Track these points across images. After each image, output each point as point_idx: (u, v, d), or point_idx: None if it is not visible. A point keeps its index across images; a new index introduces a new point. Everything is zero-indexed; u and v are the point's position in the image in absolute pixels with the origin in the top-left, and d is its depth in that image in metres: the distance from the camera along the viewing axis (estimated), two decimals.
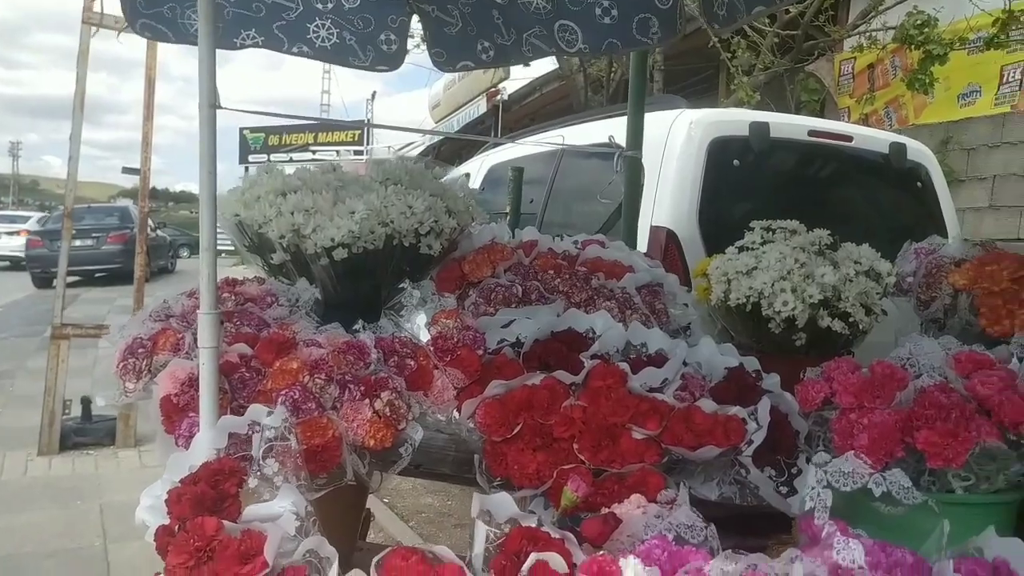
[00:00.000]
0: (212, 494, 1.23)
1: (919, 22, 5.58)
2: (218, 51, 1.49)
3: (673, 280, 2.12)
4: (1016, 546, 1.25)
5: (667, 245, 3.39)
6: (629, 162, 2.84)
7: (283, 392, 1.46)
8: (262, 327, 1.69)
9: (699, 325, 2.18)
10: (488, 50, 2.63)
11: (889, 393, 1.58)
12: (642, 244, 3.45)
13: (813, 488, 1.23)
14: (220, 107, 1.35)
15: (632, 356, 1.74)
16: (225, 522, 1.17)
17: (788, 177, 3.86)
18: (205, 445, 1.36)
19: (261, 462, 1.30)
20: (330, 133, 26.35)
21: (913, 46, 5.66)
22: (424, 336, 1.78)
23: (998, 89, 6.20)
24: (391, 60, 2.46)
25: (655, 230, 3.45)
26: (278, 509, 1.22)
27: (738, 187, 3.60)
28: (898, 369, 1.64)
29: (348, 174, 2.06)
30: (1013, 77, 6.10)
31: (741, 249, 2.15)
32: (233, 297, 1.79)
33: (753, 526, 1.62)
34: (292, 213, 1.88)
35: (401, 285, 1.83)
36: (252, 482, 1.29)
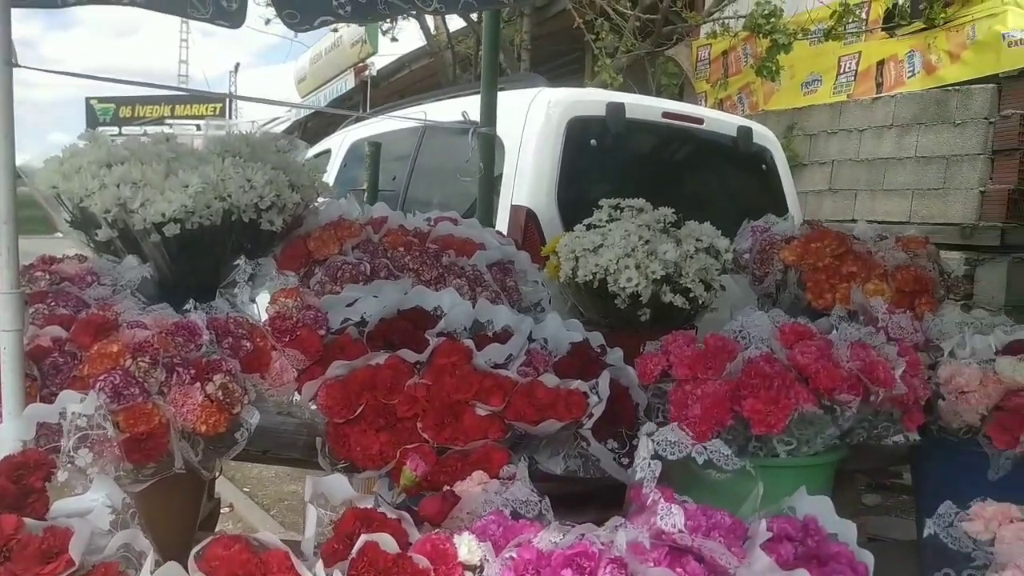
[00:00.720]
0: (13, 489, 1.13)
1: (766, 12, 5.86)
2: (57, 12, 1.36)
3: (524, 258, 2.14)
4: (824, 504, 1.34)
5: (526, 224, 3.41)
6: (483, 139, 2.83)
7: (101, 377, 1.36)
8: (80, 308, 1.57)
9: (550, 302, 2.21)
10: (344, 5, 2.53)
11: (720, 364, 1.65)
12: (502, 223, 3.47)
13: (643, 458, 1.27)
14: (17, 65, 1.23)
15: (479, 333, 1.74)
16: (27, 519, 1.08)
17: (644, 157, 3.97)
18: (8, 437, 1.25)
19: (72, 453, 1.21)
20: (189, 106, 24.96)
21: (761, 35, 5.95)
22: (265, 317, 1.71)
23: (836, 78, 6.64)
24: (232, 17, 2.32)
25: (515, 209, 3.47)
26: (89, 503, 1.14)
27: (596, 167, 3.67)
28: (729, 341, 1.72)
29: (183, 145, 1.95)
30: (849, 67, 6.54)
31: (589, 227, 2.19)
32: (48, 276, 1.65)
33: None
34: (118, 186, 1.75)
35: (236, 262, 1.75)
36: (62, 475, 1.20)
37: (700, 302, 2.11)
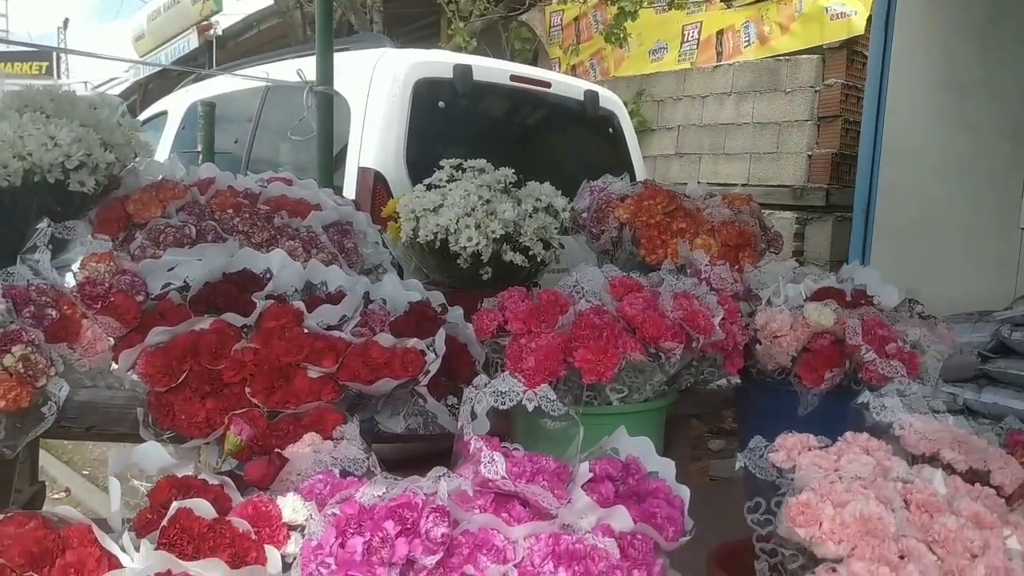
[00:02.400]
0: None
1: None
2: None
3: (363, 219, 2.10)
4: (644, 444, 1.41)
5: (375, 187, 3.36)
6: (320, 98, 2.74)
7: None
8: None
9: (393, 264, 2.19)
10: None
11: (552, 318, 1.70)
12: (350, 186, 3.40)
13: (468, 409, 1.29)
14: None
15: (312, 296, 1.70)
16: None
17: (492, 120, 3.99)
18: None
19: None
20: (11, 64, 22.71)
21: (609, 1, 6.09)
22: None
23: (680, 46, 6.91)
24: None
25: (362, 171, 3.41)
26: None
27: (444, 129, 3.66)
28: (561, 296, 1.77)
29: None
30: (692, 36, 6.82)
31: (429, 187, 2.18)
32: None
33: None
34: None
35: (39, 225, 1.62)
36: None
37: (540, 260, 2.15)
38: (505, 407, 1.37)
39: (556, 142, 4.22)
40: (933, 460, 1.47)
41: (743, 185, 6.17)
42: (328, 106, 2.75)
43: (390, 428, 1.67)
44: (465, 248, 2.05)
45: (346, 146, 3.48)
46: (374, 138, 3.45)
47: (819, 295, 2.01)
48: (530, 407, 1.38)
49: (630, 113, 6.92)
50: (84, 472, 4.68)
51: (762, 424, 1.93)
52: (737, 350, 1.86)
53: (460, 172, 2.30)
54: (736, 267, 2.18)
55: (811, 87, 5.85)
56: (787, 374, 1.93)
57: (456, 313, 1.84)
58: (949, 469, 1.44)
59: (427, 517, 1.04)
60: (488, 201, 2.14)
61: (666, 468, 1.38)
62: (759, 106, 6.14)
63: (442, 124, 3.64)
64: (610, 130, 4.41)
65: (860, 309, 1.91)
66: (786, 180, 5.98)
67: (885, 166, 4.49)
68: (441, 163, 2.29)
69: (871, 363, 1.78)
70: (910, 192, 4.35)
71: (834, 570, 1.19)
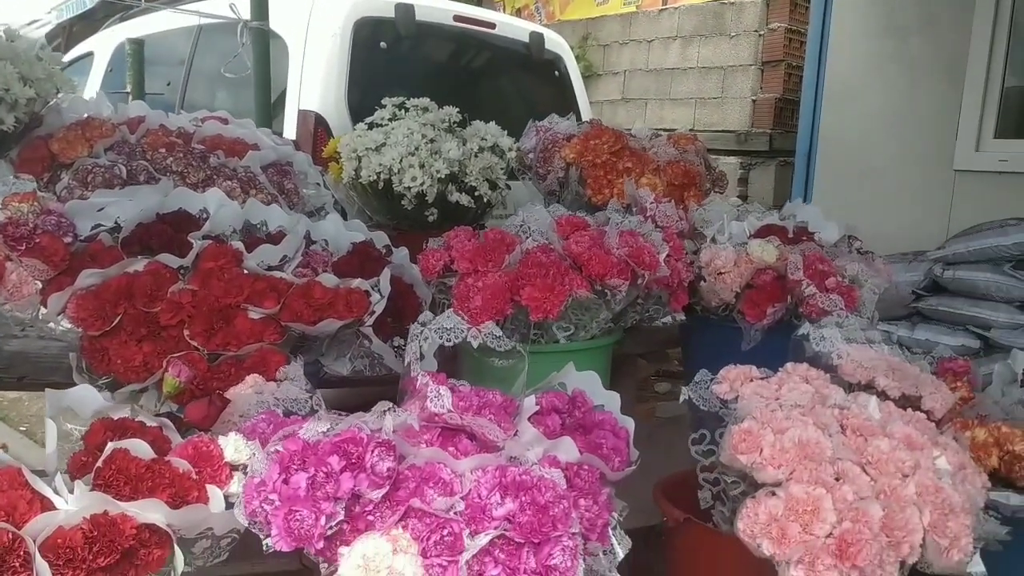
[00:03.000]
0: None
1: None
2: None
3: (303, 159, 2.04)
4: (591, 378, 1.42)
5: (316, 130, 3.27)
6: (255, 35, 2.63)
7: None
8: None
9: (336, 205, 2.14)
10: None
11: (499, 257, 1.68)
12: (290, 130, 3.30)
13: (415, 346, 1.27)
14: None
15: (252, 236, 1.65)
16: None
17: (435, 62, 3.90)
18: None
19: None
20: None
21: None
22: None
23: None
24: None
25: (303, 114, 3.31)
26: None
27: (387, 70, 3.57)
28: (508, 235, 1.75)
29: None
30: None
31: (371, 126, 2.13)
32: None
33: None
34: None
35: None
36: None
37: (487, 201, 2.13)
38: (451, 343, 1.36)
39: (501, 85, 4.16)
40: (868, 388, 1.52)
41: (688, 131, 6.19)
42: (264, 43, 2.64)
43: (336, 370, 1.65)
44: (409, 188, 2.01)
45: (285, 89, 3.38)
46: (314, 80, 3.34)
47: (762, 232, 2.03)
48: (475, 343, 1.37)
49: (576, 58, 6.85)
50: (21, 428, 4.54)
51: (707, 360, 1.96)
52: (682, 287, 1.88)
53: (403, 111, 2.24)
54: (681, 206, 2.20)
55: (755, 31, 5.85)
56: (731, 310, 1.96)
57: (401, 254, 1.81)
58: (884, 396, 1.49)
59: (372, 452, 1.03)
60: (432, 140, 2.09)
61: (612, 401, 1.40)
62: (704, 51, 6.14)
63: (384, 66, 3.54)
64: (556, 73, 4.36)
65: (801, 245, 1.94)
66: (731, 125, 6.01)
67: (826, 110, 4.54)
68: (383, 100, 2.23)
69: (812, 297, 1.82)
70: (851, 136, 4.41)
71: (774, 493, 1.23)
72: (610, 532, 1.21)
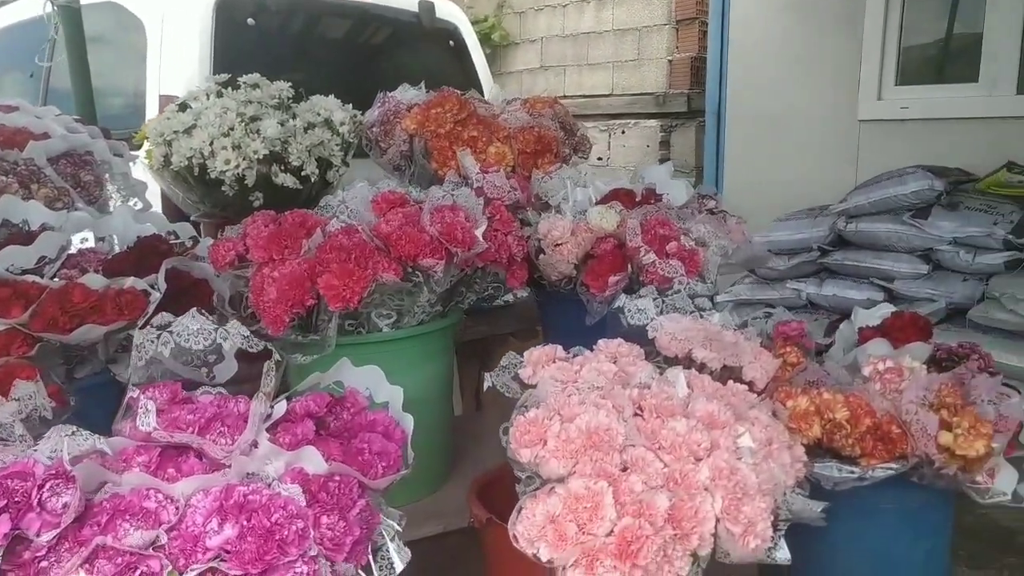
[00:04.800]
0: None
1: None
2: None
3: (103, 147, 1.86)
4: (373, 373, 1.29)
5: None
6: (65, 14, 2.43)
7: None
8: None
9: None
10: None
11: (297, 243, 1.54)
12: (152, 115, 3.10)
13: (143, 353, 1.13)
14: None
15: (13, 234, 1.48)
16: None
17: (313, 38, 3.71)
18: None
19: None
20: None
21: None
22: None
23: None
24: None
25: (164, 100, 3.10)
26: None
27: (258, 49, 3.37)
28: (310, 217, 1.60)
29: None
30: None
31: (183, 106, 1.95)
32: None
33: None
34: None
35: None
36: None
37: (325, 180, 1.97)
38: (201, 348, 1.21)
39: (391, 59, 3.97)
40: (690, 361, 1.41)
41: (608, 95, 6.06)
42: (75, 23, 2.42)
43: (125, 378, 1.50)
44: (224, 172, 1.85)
45: (143, 71, 3.17)
46: (175, 63, 3.14)
47: (608, 198, 1.91)
48: (226, 345, 1.23)
49: (491, 27, 6.68)
50: None
51: (564, 336, 1.83)
52: (516, 261, 1.75)
53: (232, 89, 2.07)
54: (542, 173, 2.07)
55: None
56: (575, 283, 1.84)
57: (205, 244, 1.66)
58: (703, 368, 1.38)
59: (45, 486, 0.89)
60: (254, 119, 1.93)
61: (395, 397, 1.27)
62: (618, 12, 5.98)
63: (253, 44, 3.34)
64: (450, 43, 4.18)
65: (644, 208, 1.82)
66: (649, 87, 5.88)
67: (733, 66, 4.44)
68: (206, 78, 2.06)
69: (651, 265, 1.70)
70: (758, 91, 4.32)
71: (554, 490, 1.11)
72: (370, 549, 1.08)
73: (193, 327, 1.20)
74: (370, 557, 1.08)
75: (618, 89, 6.07)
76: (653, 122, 5.84)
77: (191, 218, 2.08)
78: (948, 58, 3.94)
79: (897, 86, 3.88)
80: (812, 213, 3.68)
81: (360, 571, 1.06)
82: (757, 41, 4.30)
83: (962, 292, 3.09)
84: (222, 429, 1.05)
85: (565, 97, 6.38)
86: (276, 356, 1.15)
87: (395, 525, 1.14)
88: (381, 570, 1.10)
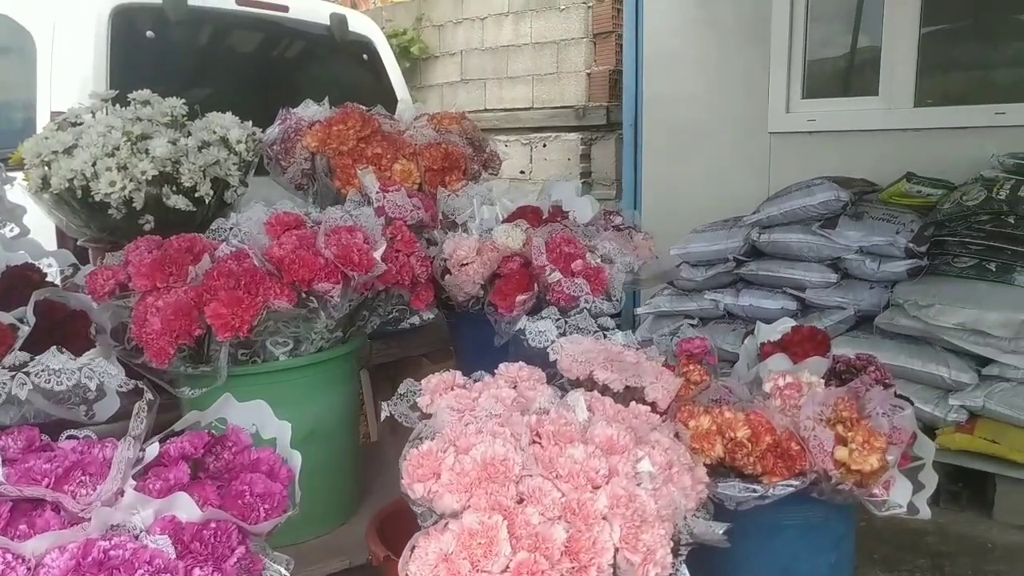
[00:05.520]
0: None
1: None
2: None
3: None
4: (259, 409, 1.22)
5: None
6: None
7: None
8: None
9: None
10: None
11: (183, 269, 1.46)
12: None
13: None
14: None
15: None
16: None
17: (218, 52, 3.58)
18: None
19: None
20: None
21: None
22: None
23: None
24: None
25: (56, 117, 2.94)
26: None
27: (158, 63, 3.23)
28: (199, 241, 1.53)
29: None
30: None
31: (62, 125, 1.84)
32: None
33: None
34: None
35: None
36: None
37: (208, 203, 1.89)
38: (64, 389, 1.13)
39: (301, 75, 3.87)
40: (592, 383, 1.38)
41: (527, 109, 6.07)
42: None
43: None
44: (110, 195, 1.75)
45: (34, 88, 3.01)
46: (67, 79, 2.98)
47: (515, 216, 1.88)
48: (92, 384, 1.14)
49: (410, 40, 6.62)
50: None
51: (475, 358, 1.80)
52: (420, 283, 1.70)
53: (122, 106, 1.97)
54: (448, 191, 2.03)
55: (584, 4, 5.76)
56: (482, 303, 1.80)
57: (83, 273, 1.56)
58: (606, 390, 1.36)
59: None
60: (142, 137, 1.83)
61: (283, 433, 1.20)
62: (537, 25, 6.00)
63: (154, 58, 3.20)
64: (364, 57, 4.10)
65: (549, 227, 1.79)
66: (568, 100, 5.91)
67: (648, 80, 4.49)
68: (90, 95, 1.95)
69: (556, 284, 1.68)
70: (673, 103, 4.38)
71: (447, 526, 1.06)
72: None
73: (54, 366, 1.11)
74: None
75: (538, 102, 6.09)
76: (574, 135, 5.87)
77: (78, 243, 1.97)
78: (852, 72, 4.07)
79: (804, 99, 3.98)
80: (727, 224, 3.73)
81: None
82: (670, 54, 4.36)
83: (869, 300, 3.17)
84: (83, 478, 0.98)
85: (486, 111, 6.37)
86: (148, 395, 1.07)
87: (282, 570, 1.07)
88: None
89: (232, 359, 1.51)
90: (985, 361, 2.78)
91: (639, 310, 3.79)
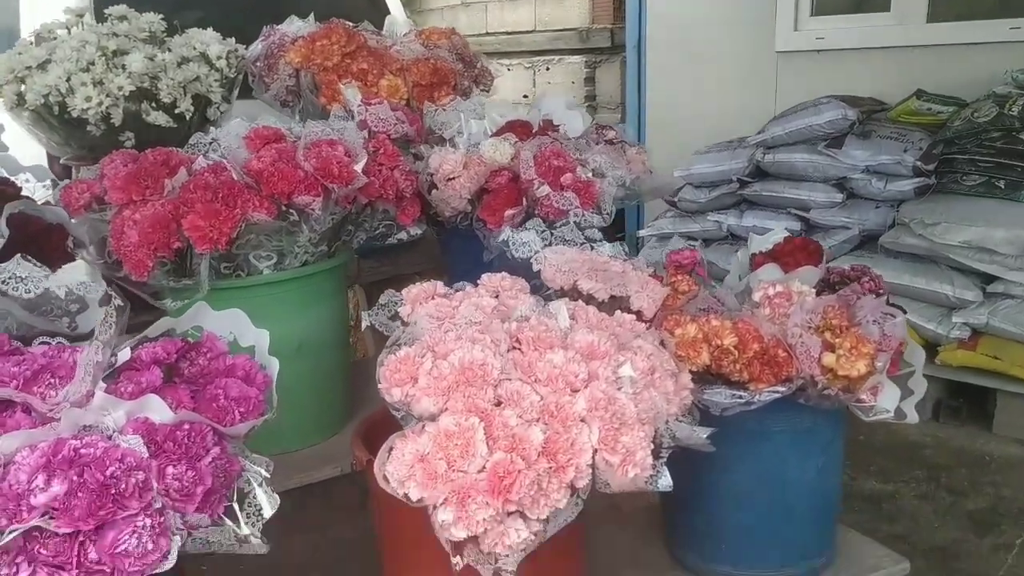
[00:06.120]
0: None
1: None
2: None
3: None
4: (236, 317, 1.21)
5: None
6: None
7: None
8: None
9: None
10: None
11: (159, 182, 1.43)
12: None
13: None
14: None
15: None
16: None
17: None
18: None
19: None
20: None
21: None
22: None
23: None
24: None
25: None
26: None
27: None
28: (174, 154, 1.50)
29: None
30: None
31: (38, 40, 1.80)
32: None
33: None
34: None
35: None
36: None
37: (190, 119, 1.84)
38: (31, 295, 1.11)
39: None
40: (576, 293, 1.36)
41: (530, 32, 5.91)
42: None
43: None
44: (86, 111, 1.71)
45: (19, 17, 2.94)
46: (49, 5, 2.90)
47: (503, 130, 1.83)
48: (61, 293, 1.13)
49: None
50: None
51: (465, 275, 1.78)
52: (406, 197, 1.67)
53: (99, 22, 1.91)
54: (437, 107, 1.97)
55: None
56: (471, 219, 1.77)
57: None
58: (591, 300, 1.33)
59: None
60: (118, 52, 1.78)
61: (261, 340, 1.19)
62: None
63: None
64: None
65: (538, 140, 1.75)
66: (572, 23, 5.74)
67: None
68: (64, 9, 1.89)
69: (545, 197, 1.64)
70: (678, 23, 4.25)
71: (424, 428, 1.06)
72: (235, 496, 1.02)
73: (20, 274, 1.09)
74: (235, 505, 1.02)
75: (541, 25, 5.92)
76: (577, 58, 5.72)
77: (61, 161, 1.94)
78: None
79: (813, 16, 3.85)
80: (731, 145, 3.66)
81: (224, 518, 1.00)
82: None
83: (874, 219, 3.12)
84: (52, 381, 0.97)
85: (488, 34, 6.21)
86: (117, 301, 1.06)
87: (262, 472, 1.08)
88: (249, 517, 1.05)
89: (215, 273, 1.50)
90: (990, 279, 2.74)
91: (642, 232, 3.75)
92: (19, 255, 1.11)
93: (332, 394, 1.71)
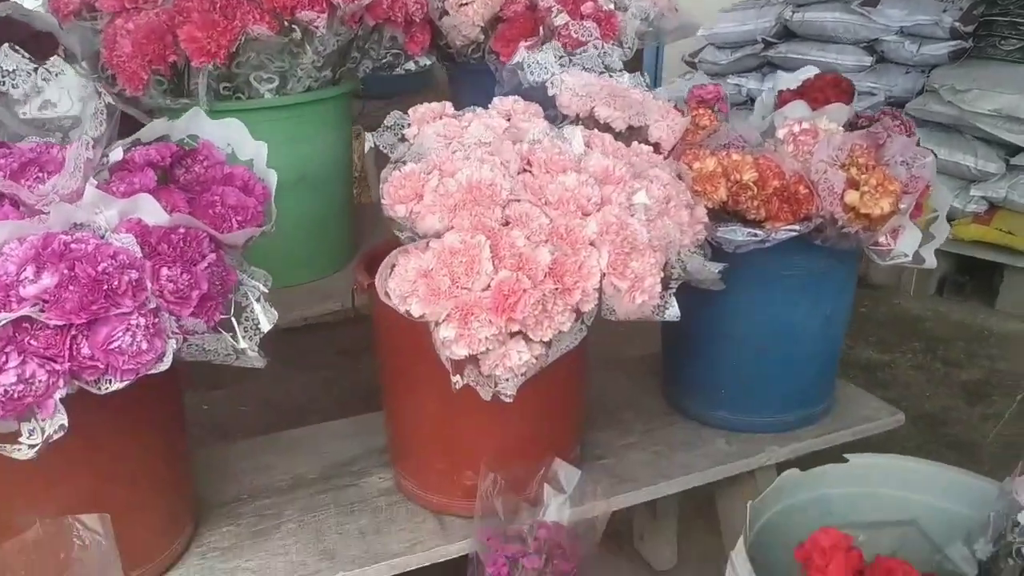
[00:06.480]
0: None
1: None
2: None
3: None
4: (234, 127, 1.15)
5: None
6: None
7: None
8: None
9: None
10: None
11: None
12: None
13: None
14: None
15: None
16: None
17: None
18: None
19: None
20: None
21: None
22: None
23: None
24: None
25: None
26: None
27: None
28: None
29: None
30: None
31: None
32: None
33: None
34: None
35: None
36: None
37: None
38: (19, 91, 1.05)
39: None
40: (593, 121, 1.29)
41: None
42: None
43: None
44: None
45: None
46: None
47: None
48: (48, 88, 1.07)
49: None
50: None
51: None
52: (415, 23, 1.57)
53: None
54: None
55: None
56: (483, 51, 1.68)
57: None
58: (609, 129, 1.27)
59: None
60: None
61: (260, 153, 1.14)
62: None
63: None
64: None
65: None
66: None
67: None
68: None
69: (563, 27, 1.55)
70: None
71: (428, 244, 1.02)
72: (232, 310, 1.00)
73: (7, 67, 1.03)
74: (233, 319, 1.00)
75: None
76: None
77: None
78: None
79: None
80: (758, 3, 3.47)
81: (220, 330, 0.99)
82: None
83: (903, 85, 3.00)
84: (40, 175, 0.93)
85: None
86: (107, 99, 1.00)
87: (260, 286, 1.05)
88: (247, 331, 1.03)
89: (215, 94, 1.43)
90: (1014, 151, 2.65)
91: (658, 90, 3.61)
92: (6, 44, 1.03)
93: (334, 230, 1.67)
